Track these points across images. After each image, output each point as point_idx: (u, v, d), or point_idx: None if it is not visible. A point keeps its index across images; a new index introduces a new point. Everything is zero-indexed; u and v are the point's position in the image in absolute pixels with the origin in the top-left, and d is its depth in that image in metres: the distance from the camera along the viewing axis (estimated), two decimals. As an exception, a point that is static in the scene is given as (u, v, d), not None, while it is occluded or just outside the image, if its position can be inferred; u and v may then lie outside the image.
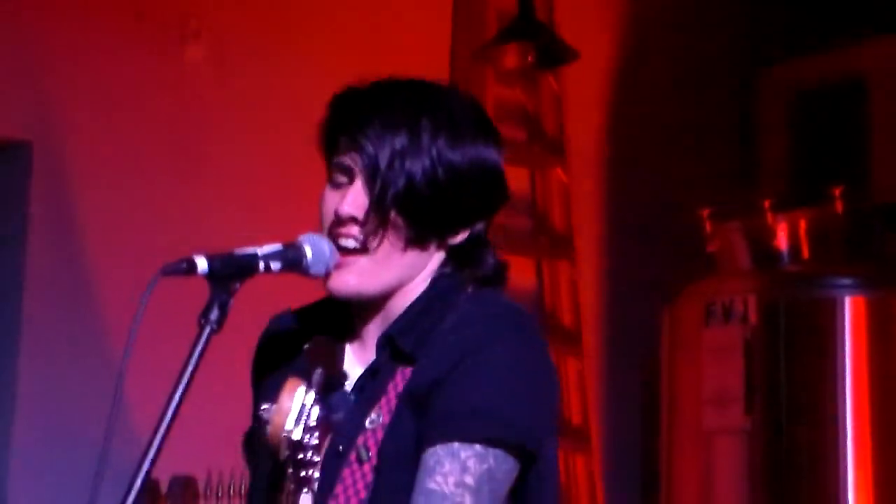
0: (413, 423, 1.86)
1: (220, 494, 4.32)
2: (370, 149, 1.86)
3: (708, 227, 4.70)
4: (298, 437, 1.69)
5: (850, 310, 4.43)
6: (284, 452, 1.69)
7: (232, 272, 1.78)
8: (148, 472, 1.68)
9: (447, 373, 1.85)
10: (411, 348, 1.89)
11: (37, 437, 4.37)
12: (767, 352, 4.47)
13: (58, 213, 4.60)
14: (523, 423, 1.88)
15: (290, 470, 1.73)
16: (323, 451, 1.89)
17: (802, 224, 4.59)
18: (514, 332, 1.89)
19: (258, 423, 1.84)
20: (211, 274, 1.77)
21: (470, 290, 1.93)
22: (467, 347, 1.85)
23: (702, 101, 5.56)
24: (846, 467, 4.36)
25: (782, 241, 4.60)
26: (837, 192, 4.53)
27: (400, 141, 1.86)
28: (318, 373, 1.77)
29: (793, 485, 4.50)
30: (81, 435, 3.95)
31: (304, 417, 1.69)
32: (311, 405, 1.70)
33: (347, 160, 1.87)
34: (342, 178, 1.86)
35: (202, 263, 1.76)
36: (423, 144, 1.86)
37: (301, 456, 1.71)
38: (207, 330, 1.75)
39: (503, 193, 1.96)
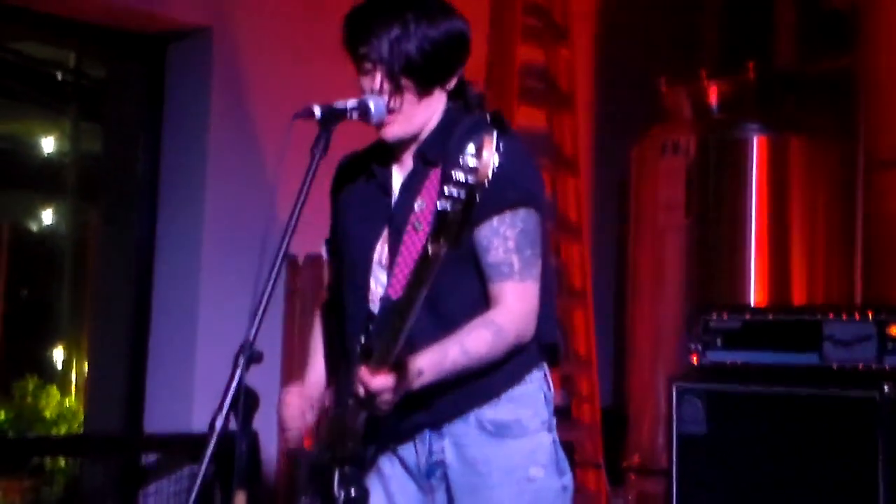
0: None
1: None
2: (375, 44, 2.22)
3: (663, 88, 5.46)
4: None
5: (757, 146, 5.17)
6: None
7: (332, 117, 2.14)
8: (287, 250, 2.02)
9: None
10: (435, 156, 2.25)
11: (221, 245, 4.64)
12: (701, 175, 5.20)
13: (235, 89, 4.73)
14: (532, 187, 2.25)
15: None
16: (386, 236, 2.29)
17: (727, 87, 5.32)
18: (507, 136, 2.03)
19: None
20: (321, 118, 2.12)
21: (467, 114, 2.29)
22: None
23: (661, 5, 6.20)
24: (751, 253, 5.15)
25: (713, 99, 5.33)
26: (751, 65, 5.25)
27: (394, 33, 2.21)
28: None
29: (716, 264, 5.23)
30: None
31: None
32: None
33: (365, 55, 2.25)
34: (368, 66, 2.26)
35: (317, 111, 2.13)
36: (410, 30, 2.21)
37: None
38: (317, 156, 2.10)
39: (468, 46, 2.31)
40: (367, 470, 2.24)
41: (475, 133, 1.73)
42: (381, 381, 1.99)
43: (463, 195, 1.68)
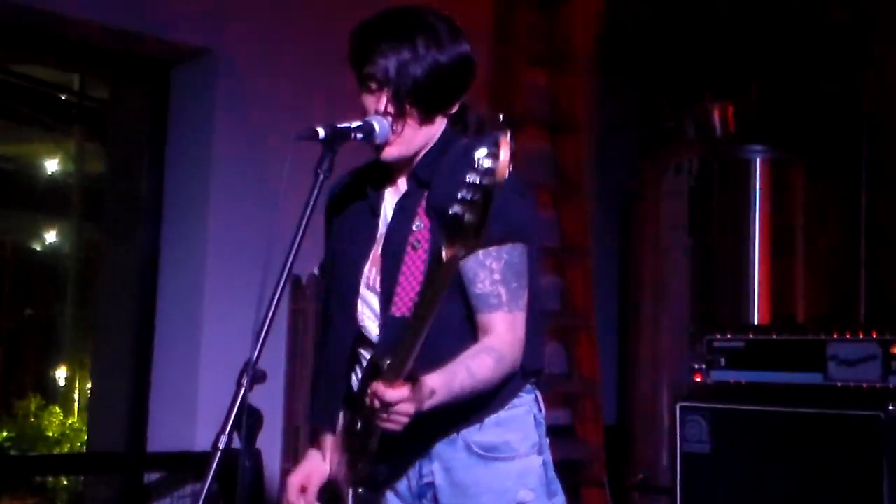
0: (437, 225, 2.15)
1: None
2: (383, 65, 2.20)
3: (667, 110, 5.57)
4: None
5: (760, 168, 5.25)
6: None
7: (337, 137, 2.12)
8: (290, 270, 2.02)
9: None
10: (428, 177, 2.24)
11: (224, 264, 4.60)
12: (704, 195, 5.27)
13: (238, 111, 4.69)
14: (518, 221, 2.22)
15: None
16: (375, 258, 2.27)
17: (730, 109, 5.40)
18: None
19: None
20: (325, 138, 2.10)
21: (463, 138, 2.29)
22: None
23: (661, 30, 6.01)
24: (754, 272, 5.22)
25: (716, 120, 5.40)
26: (753, 87, 5.38)
27: (403, 56, 2.19)
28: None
29: (719, 283, 5.29)
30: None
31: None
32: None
33: (371, 75, 2.22)
34: (373, 86, 2.23)
35: (321, 131, 2.10)
36: (420, 55, 2.20)
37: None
38: (322, 177, 2.09)
39: (474, 72, 2.30)
40: (380, 491, 2.24)
41: (485, 138, 1.69)
42: (398, 393, 1.94)
43: (479, 197, 1.65)
